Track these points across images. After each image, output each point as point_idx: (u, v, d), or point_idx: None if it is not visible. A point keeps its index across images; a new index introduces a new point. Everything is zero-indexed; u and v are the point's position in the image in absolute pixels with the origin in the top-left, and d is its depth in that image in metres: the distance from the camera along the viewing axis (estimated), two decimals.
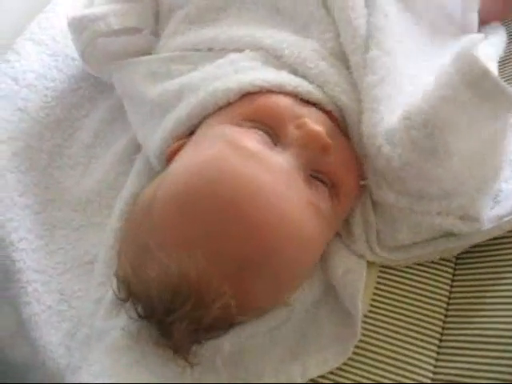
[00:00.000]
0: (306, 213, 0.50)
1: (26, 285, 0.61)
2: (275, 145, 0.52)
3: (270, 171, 0.49)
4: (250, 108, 0.54)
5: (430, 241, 0.57)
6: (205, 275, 0.46)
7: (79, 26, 0.68)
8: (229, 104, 0.55)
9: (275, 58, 0.58)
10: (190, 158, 0.53)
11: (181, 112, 0.58)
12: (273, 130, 0.53)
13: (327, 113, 0.55)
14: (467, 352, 0.53)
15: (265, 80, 0.55)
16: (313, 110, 0.55)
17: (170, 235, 0.49)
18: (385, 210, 0.57)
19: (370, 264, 0.59)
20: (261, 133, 0.52)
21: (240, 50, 0.60)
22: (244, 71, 0.57)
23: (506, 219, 0.55)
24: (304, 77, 0.56)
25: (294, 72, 0.57)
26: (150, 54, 0.70)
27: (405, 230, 0.57)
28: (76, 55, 0.77)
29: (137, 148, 0.70)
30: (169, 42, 0.68)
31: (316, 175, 0.52)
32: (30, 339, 0.60)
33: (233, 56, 0.59)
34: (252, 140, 0.51)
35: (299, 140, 0.52)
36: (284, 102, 0.54)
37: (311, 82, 0.56)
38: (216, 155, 0.51)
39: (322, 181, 0.53)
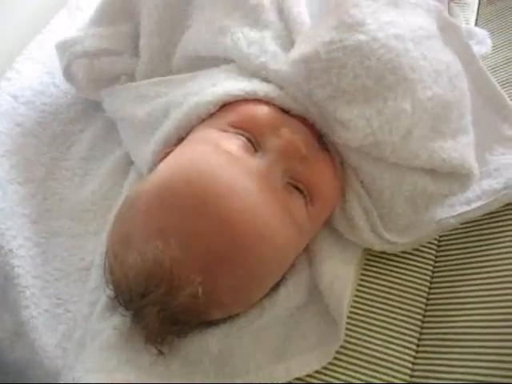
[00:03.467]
0: (276, 215, 0.52)
1: (25, 289, 0.64)
2: (256, 151, 0.56)
3: (246, 172, 0.52)
4: (231, 116, 0.58)
5: (430, 216, 0.61)
6: (177, 262, 0.49)
7: (61, 49, 0.74)
8: (212, 114, 0.59)
9: (247, 70, 0.62)
10: (174, 157, 0.57)
11: (168, 127, 0.61)
12: (254, 137, 0.56)
13: (305, 122, 0.59)
14: (444, 349, 0.56)
15: (238, 89, 0.58)
16: (291, 119, 0.58)
17: (149, 225, 0.52)
18: (379, 191, 0.59)
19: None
20: (243, 139, 0.56)
21: (217, 64, 0.64)
22: (219, 83, 0.60)
23: (504, 192, 0.60)
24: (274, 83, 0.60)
25: (266, 80, 0.60)
26: (133, 75, 0.75)
27: (402, 204, 0.59)
28: None
29: (131, 160, 0.73)
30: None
31: (293, 183, 0.55)
32: (29, 341, 0.62)
33: (212, 72, 0.64)
34: (233, 144, 0.55)
35: (278, 148, 0.55)
36: (263, 110, 0.58)
37: (281, 88, 0.59)
38: (197, 155, 0.54)
39: (298, 189, 0.55)
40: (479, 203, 0.61)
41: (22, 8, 0.86)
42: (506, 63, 0.78)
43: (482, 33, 0.78)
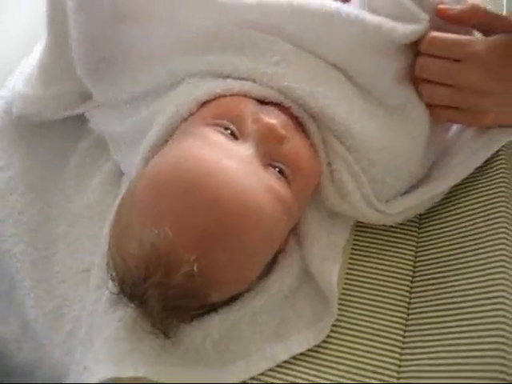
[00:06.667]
0: (261, 193, 0.56)
1: (30, 292, 0.67)
2: (236, 139, 0.59)
3: (230, 157, 0.56)
4: (211, 111, 0.62)
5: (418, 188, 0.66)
6: (172, 244, 0.52)
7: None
8: (192, 114, 0.63)
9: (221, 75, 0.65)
10: (164, 151, 0.61)
11: (154, 133, 0.65)
12: (234, 125, 0.60)
13: (282, 108, 0.62)
14: (432, 325, 0.59)
15: (215, 87, 0.63)
16: (267, 107, 0.62)
17: (144, 213, 0.55)
18: (364, 153, 0.63)
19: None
20: (222, 129, 0.59)
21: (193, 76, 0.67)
22: (196, 87, 0.64)
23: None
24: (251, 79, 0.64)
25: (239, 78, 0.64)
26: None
27: (386, 166, 0.64)
28: None
29: None
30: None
31: (274, 164, 0.59)
32: (36, 341, 0.65)
33: (187, 80, 0.67)
34: (215, 133, 0.58)
35: (257, 133, 0.59)
36: (240, 101, 0.62)
37: (256, 82, 0.63)
38: (184, 145, 0.58)
39: (279, 168, 0.59)
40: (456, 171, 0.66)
41: (14, 27, 0.89)
42: None
43: None
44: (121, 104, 0.73)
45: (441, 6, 0.61)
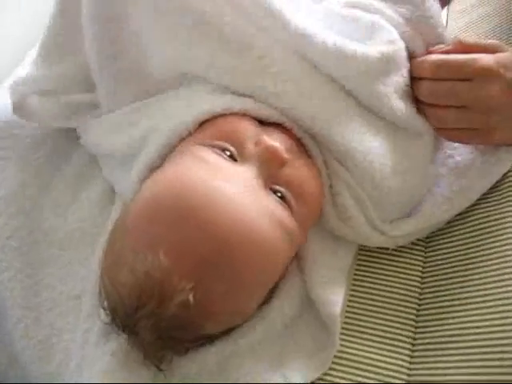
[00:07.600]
0: (264, 220, 0.53)
1: (18, 321, 0.64)
2: (236, 161, 0.57)
3: (228, 180, 0.53)
4: (211, 132, 0.59)
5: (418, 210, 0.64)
6: (167, 273, 0.50)
7: (11, 89, 0.74)
8: (190, 133, 0.61)
9: (219, 87, 0.63)
10: (159, 174, 0.58)
11: (150, 153, 0.62)
12: (235, 148, 0.57)
13: (283, 129, 0.60)
14: (439, 352, 0.57)
15: (215, 106, 0.60)
16: (269, 128, 0.60)
17: (138, 239, 0.53)
18: (368, 174, 0.61)
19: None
20: (220, 151, 0.57)
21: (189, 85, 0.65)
22: (195, 103, 0.62)
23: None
24: (250, 96, 0.61)
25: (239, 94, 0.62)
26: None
27: (390, 185, 0.62)
28: None
29: None
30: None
31: (275, 187, 0.56)
32: (24, 372, 0.62)
33: (183, 93, 0.65)
34: (213, 155, 0.56)
35: (258, 155, 0.56)
36: (240, 122, 0.59)
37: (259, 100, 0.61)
38: (180, 168, 0.56)
39: (281, 192, 0.56)
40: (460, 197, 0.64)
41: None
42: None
43: None
44: (118, 117, 0.70)
45: (431, 49, 0.63)
